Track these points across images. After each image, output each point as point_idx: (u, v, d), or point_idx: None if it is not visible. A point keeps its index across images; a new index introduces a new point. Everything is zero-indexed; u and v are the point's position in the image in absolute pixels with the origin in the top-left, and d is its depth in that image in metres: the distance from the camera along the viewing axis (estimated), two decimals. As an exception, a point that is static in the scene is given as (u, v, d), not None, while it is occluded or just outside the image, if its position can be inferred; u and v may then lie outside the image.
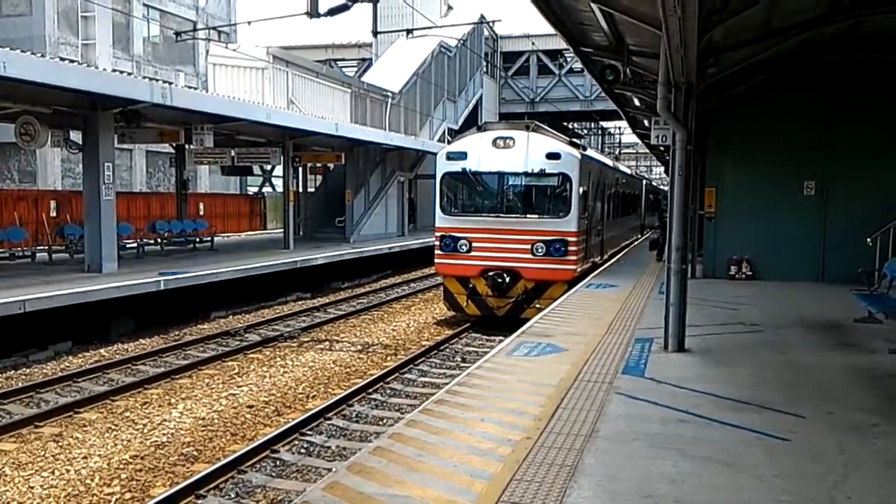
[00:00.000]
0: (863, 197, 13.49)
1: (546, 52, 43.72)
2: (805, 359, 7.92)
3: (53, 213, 19.39)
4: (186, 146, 19.38)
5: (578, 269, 13.86)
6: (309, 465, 7.00)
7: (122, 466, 6.93)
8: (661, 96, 7.87)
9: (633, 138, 43.64)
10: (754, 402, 6.15)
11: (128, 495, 6.34)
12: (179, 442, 7.62)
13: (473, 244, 13.64)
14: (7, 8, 24.76)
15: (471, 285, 13.77)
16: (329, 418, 8.28)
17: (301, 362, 11.19)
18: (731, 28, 9.33)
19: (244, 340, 12.60)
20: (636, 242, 26.80)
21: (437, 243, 13.99)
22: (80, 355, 11.51)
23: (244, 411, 8.70)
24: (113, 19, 26.64)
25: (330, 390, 9.68)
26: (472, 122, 33.05)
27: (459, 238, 13.71)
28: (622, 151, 59.47)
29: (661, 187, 41.89)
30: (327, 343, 12.64)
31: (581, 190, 13.62)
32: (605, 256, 18.18)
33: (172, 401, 9.06)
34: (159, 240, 19.27)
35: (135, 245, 18.15)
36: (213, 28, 28.44)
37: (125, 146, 25.09)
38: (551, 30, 11.79)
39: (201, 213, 25.77)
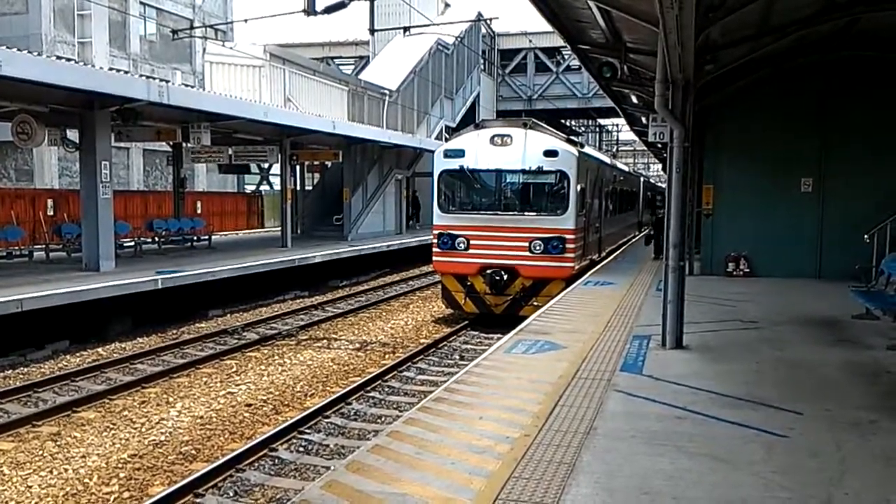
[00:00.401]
0: (860, 193, 13.52)
1: (543, 50, 43.74)
2: (803, 355, 7.93)
3: (51, 212, 19.35)
4: (184, 144, 19.35)
5: (576, 267, 13.87)
6: (307, 463, 7.00)
7: (120, 465, 6.93)
8: (658, 93, 7.87)
9: (631, 136, 43.66)
10: (752, 399, 6.16)
11: (126, 494, 6.34)
12: (178, 441, 7.61)
13: (471, 242, 13.64)
14: (3, 6, 24.69)
15: (469, 283, 13.77)
16: (327, 416, 8.28)
17: (299, 361, 11.19)
18: (729, 25, 9.35)
19: (242, 339, 12.59)
20: (634, 240, 26.81)
21: (435, 241, 13.99)
22: (77, 354, 11.49)
23: (242, 410, 8.70)
24: (109, 17, 26.57)
25: (328, 388, 9.68)
26: (470, 120, 33.01)
27: (457, 236, 13.72)
28: (620, 149, 59.54)
29: (659, 185, 41.94)
30: (325, 341, 12.64)
31: (578, 187, 13.63)
32: (603, 254, 18.18)
33: (170, 400, 9.06)
34: (157, 238, 19.25)
35: (132, 244, 18.12)
36: (210, 26, 28.38)
37: (122, 145, 25.06)
38: (549, 27, 11.80)
39: (199, 211, 25.74)
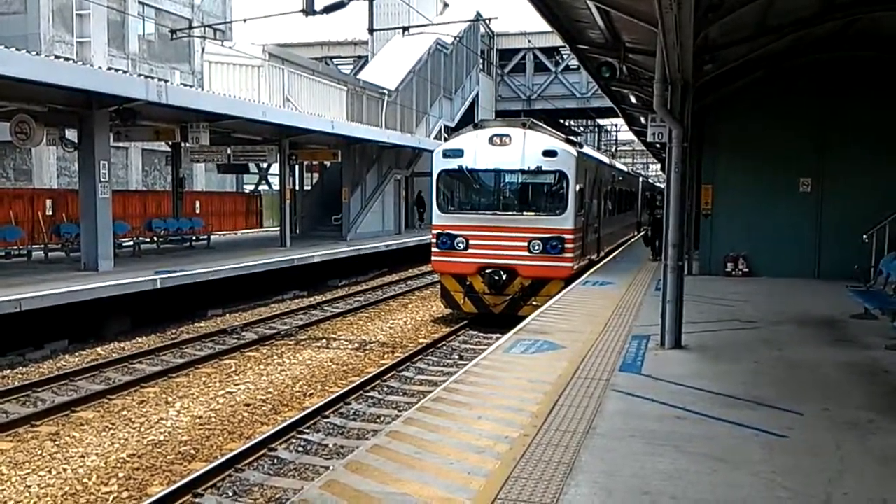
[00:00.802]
0: (858, 193, 13.53)
1: (542, 50, 43.72)
2: (801, 355, 7.94)
3: (49, 212, 19.34)
4: (182, 144, 19.34)
5: (575, 267, 13.88)
6: (306, 463, 7.00)
7: (119, 465, 6.92)
8: (657, 93, 7.87)
9: (630, 135, 43.64)
10: (751, 399, 6.16)
11: (125, 494, 6.33)
12: (176, 440, 7.61)
13: (470, 242, 13.64)
14: (1, 6, 24.67)
15: (468, 283, 13.77)
16: (326, 416, 8.28)
17: (298, 360, 11.18)
18: (727, 25, 9.35)
19: (241, 339, 12.59)
20: (633, 240, 26.82)
21: (434, 241, 13.99)
22: (76, 354, 11.49)
23: (241, 410, 8.69)
24: (108, 17, 26.55)
25: (327, 388, 9.68)
26: (469, 120, 32.99)
27: (456, 236, 13.72)
28: (618, 149, 59.53)
29: (658, 184, 41.95)
30: (324, 341, 12.64)
31: (577, 187, 13.63)
32: (602, 254, 18.19)
33: (169, 399, 9.05)
34: (155, 238, 19.24)
35: (131, 243, 18.11)
36: (209, 26, 28.35)
37: (121, 144, 25.02)
38: (548, 27, 11.79)
39: (197, 211, 25.73)
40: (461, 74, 39.86)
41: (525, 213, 13.64)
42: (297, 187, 27.69)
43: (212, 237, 21.37)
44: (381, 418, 8.35)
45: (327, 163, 26.55)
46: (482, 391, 6.43)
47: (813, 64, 13.73)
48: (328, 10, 14.82)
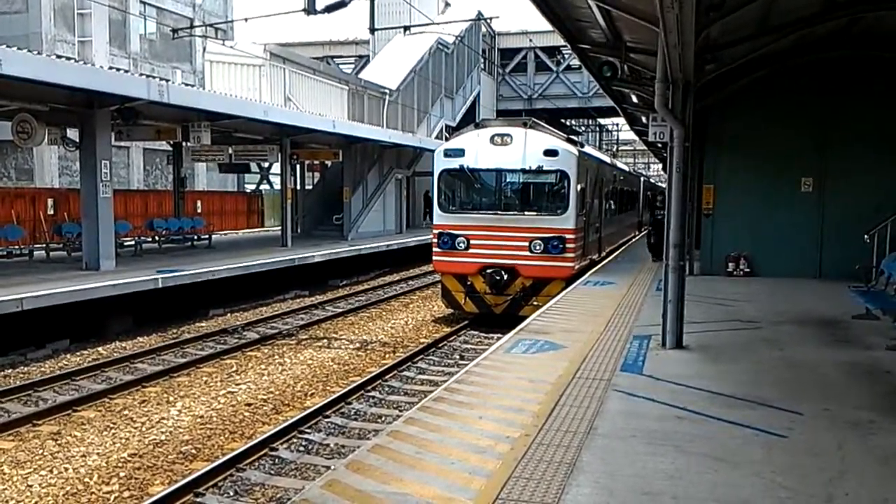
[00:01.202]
0: (860, 193, 13.50)
1: (543, 49, 43.75)
2: (803, 355, 7.93)
3: (51, 211, 19.36)
4: (184, 144, 19.35)
5: (576, 267, 13.87)
6: (308, 462, 7.01)
7: (120, 465, 6.93)
8: (658, 93, 7.86)
9: (631, 135, 43.63)
10: (752, 399, 6.16)
11: (126, 493, 6.34)
12: (178, 440, 7.61)
13: (471, 241, 13.64)
14: (3, 5, 24.67)
15: (469, 283, 13.76)
16: (328, 416, 8.28)
17: (299, 360, 11.19)
18: (729, 25, 9.35)
19: (242, 338, 12.59)
20: (634, 240, 26.82)
21: (435, 241, 13.99)
22: (78, 353, 11.49)
23: (242, 409, 8.70)
24: (109, 16, 26.53)
25: (328, 388, 9.69)
26: (470, 119, 33.03)
27: (457, 235, 13.71)
28: (620, 148, 59.52)
29: (659, 184, 41.94)
30: (326, 341, 12.64)
31: (579, 187, 13.62)
32: (603, 254, 18.18)
33: (171, 399, 9.06)
34: (157, 238, 19.26)
35: (132, 243, 18.12)
36: (210, 25, 28.33)
37: (122, 144, 25.03)
38: (549, 27, 11.79)
39: (199, 210, 25.74)
40: (462, 74, 39.88)
41: (526, 212, 13.63)
42: (298, 187, 27.68)
43: (213, 237, 21.37)
44: (383, 418, 8.35)
45: (328, 162, 26.55)
46: (483, 391, 6.43)
47: (815, 63, 13.71)
48: (329, 9, 14.82)
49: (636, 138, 41.09)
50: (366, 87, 31.70)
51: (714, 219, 14.69)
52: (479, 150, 13.65)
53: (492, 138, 13.64)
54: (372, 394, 9.30)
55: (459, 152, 13.80)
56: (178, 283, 13.71)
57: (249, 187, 36.52)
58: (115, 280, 12.61)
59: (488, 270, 13.48)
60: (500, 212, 13.69)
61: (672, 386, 6.58)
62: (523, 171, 13.50)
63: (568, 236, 13.32)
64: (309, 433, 7.73)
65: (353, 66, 45.02)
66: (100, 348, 11.87)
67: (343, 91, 30.61)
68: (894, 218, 11.69)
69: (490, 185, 14.04)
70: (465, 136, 14.25)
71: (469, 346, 12.20)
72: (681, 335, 8.12)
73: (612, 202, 20.09)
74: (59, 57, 15.25)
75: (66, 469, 6.79)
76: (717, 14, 8.39)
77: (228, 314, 15.01)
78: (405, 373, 10.38)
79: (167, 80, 15.45)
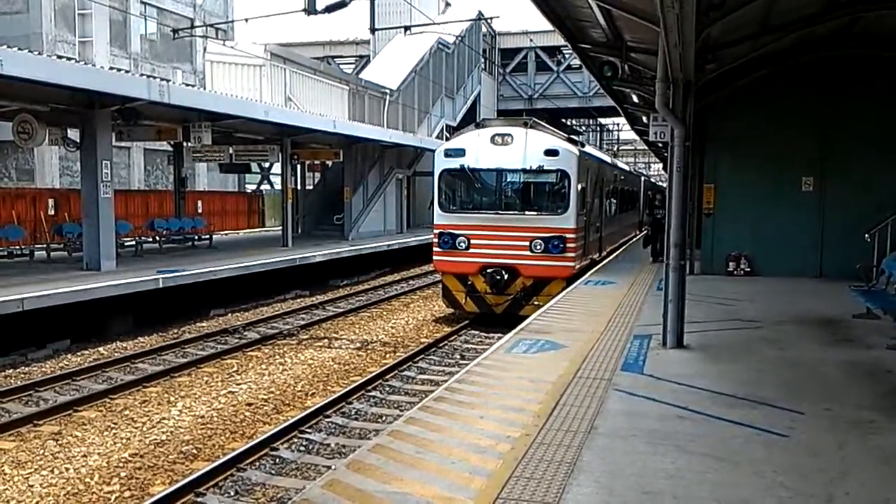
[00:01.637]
0: (861, 192, 13.50)
1: (544, 49, 43.72)
2: (803, 355, 7.93)
3: (52, 212, 19.37)
4: (184, 144, 19.36)
5: (577, 266, 13.87)
6: (308, 462, 7.01)
7: (121, 465, 6.93)
8: (659, 93, 7.86)
9: (632, 135, 43.60)
10: (753, 399, 6.16)
11: (127, 493, 6.34)
12: (179, 440, 7.62)
13: (472, 241, 13.64)
14: (4, 5, 24.69)
15: (469, 282, 13.77)
16: (328, 416, 8.28)
17: (300, 360, 11.19)
18: (729, 24, 9.34)
19: (243, 338, 12.60)
20: (634, 239, 26.81)
21: (436, 240, 13.99)
22: (78, 354, 11.50)
23: (243, 409, 8.70)
24: (110, 17, 26.55)
25: (329, 388, 9.69)
26: (471, 119, 33.02)
27: (458, 235, 13.71)
28: (620, 148, 59.48)
29: (660, 184, 41.92)
30: (326, 341, 12.64)
31: (579, 186, 13.62)
32: (604, 253, 18.18)
33: (171, 399, 9.06)
34: (158, 238, 19.26)
35: (133, 243, 18.13)
36: (211, 25, 28.37)
37: (123, 144, 25.03)
38: (549, 26, 11.79)
39: (199, 210, 25.76)
40: (463, 74, 39.87)
41: (527, 212, 13.63)
42: (298, 187, 27.69)
43: (214, 237, 21.39)
44: (383, 418, 8.35)
45: (329, 162, 26.54)
46: (484, 391, 6.43)
47: (816, 63, 13.70)
48: (330, 9, 14.81)
49: (637, 138, 41.06)
50: (366, 87, 31.70)
51: (715, 218, 14.68)
52: (480, 150, 13.65)
53: (492, 138, 13.64)
54: (372, 393, 9.30)
55: (460, 152, 13.80)
56: (178, 284, 13.71)
57: (250, 187, 36.54)
58: (116, 280, 12.61)
59: (489, 270, 13.48)
60: (500, 211, 13.69)
61: (673, 385, 6.57)
62: (524, 170, 13.50)
63: (568, 236, 13.32)
64: (310, 433, 7.73)
65: (353, 66, 45.02)
66: (100, 348, 11.87)
67: (344, 91, 30.61)
68: (895, 217, 11.68)
69: (491, 185, 14.03)
70: (466, 135, 14.26)
71: (470, 346, 12.20)
72: (681, 335, 8.12)
73: (612, 202, 20.08)
74: (59, 57, 15.26)
75: (67, 469, 6.80)
76: (718, 13, 8.39)
77: (229, 314, 15.02)
78: (406, 372, 10.38)
79: (168, 81, 15.46)
